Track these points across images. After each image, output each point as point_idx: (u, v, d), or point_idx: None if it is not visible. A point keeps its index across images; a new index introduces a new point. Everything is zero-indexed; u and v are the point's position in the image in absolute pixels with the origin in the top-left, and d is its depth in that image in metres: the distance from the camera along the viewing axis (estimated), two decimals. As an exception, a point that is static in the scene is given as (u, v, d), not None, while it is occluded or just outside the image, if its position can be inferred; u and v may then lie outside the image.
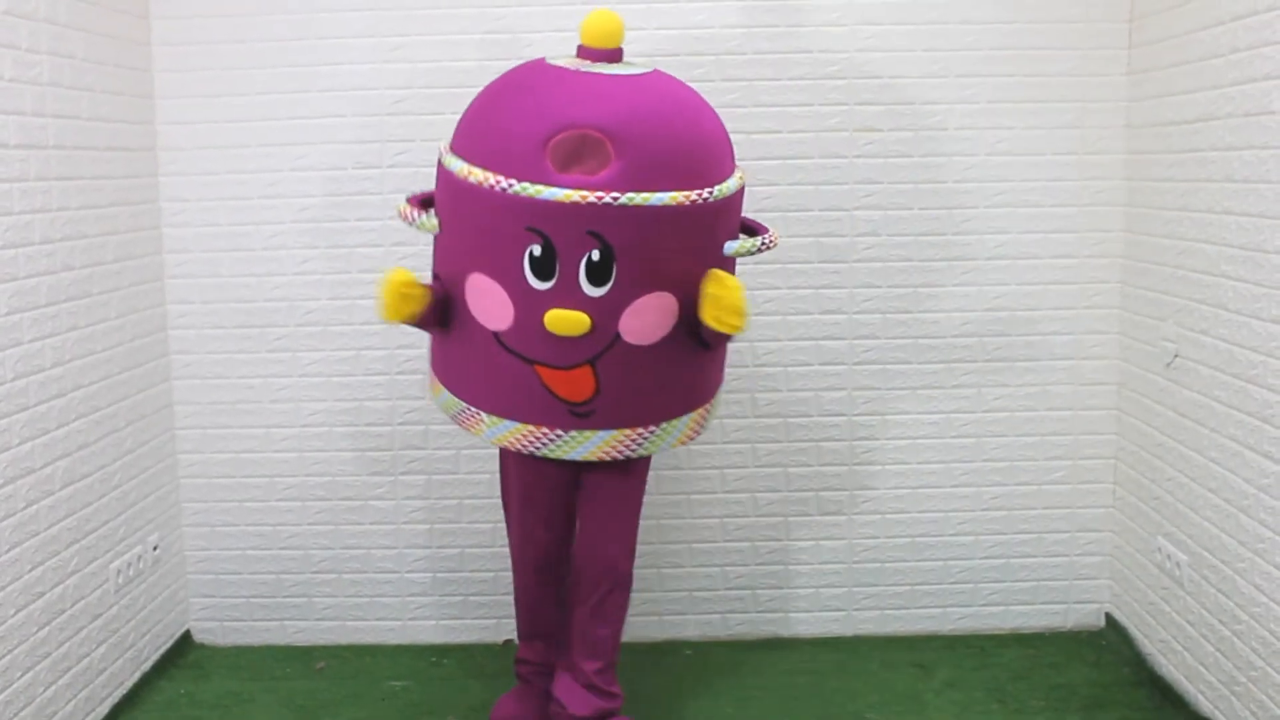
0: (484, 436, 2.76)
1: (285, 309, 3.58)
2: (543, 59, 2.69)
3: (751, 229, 2.83)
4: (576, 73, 2.59)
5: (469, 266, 2.62)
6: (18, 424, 2.83)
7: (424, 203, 2.76)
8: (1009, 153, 3.49)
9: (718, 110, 2.76)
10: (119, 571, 3.29)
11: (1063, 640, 3.64)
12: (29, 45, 2.88)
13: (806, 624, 3.71)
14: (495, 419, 2.71)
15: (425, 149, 3.50)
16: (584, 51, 2.67)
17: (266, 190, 3.54)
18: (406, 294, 2.60)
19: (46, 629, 2.95)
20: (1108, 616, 3.67)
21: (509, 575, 3.67)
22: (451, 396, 2.81)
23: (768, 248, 2.69)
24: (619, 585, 2.90)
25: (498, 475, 3.30)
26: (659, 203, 2.49)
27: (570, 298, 2.53)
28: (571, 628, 2.96)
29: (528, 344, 2.59)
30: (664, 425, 2.75)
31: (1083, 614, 3.70)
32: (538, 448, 2.70)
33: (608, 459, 2.72)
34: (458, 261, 2.66)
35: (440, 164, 2.67)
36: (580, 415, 2.65)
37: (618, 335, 2.58)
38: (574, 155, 2.51)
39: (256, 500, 3.67)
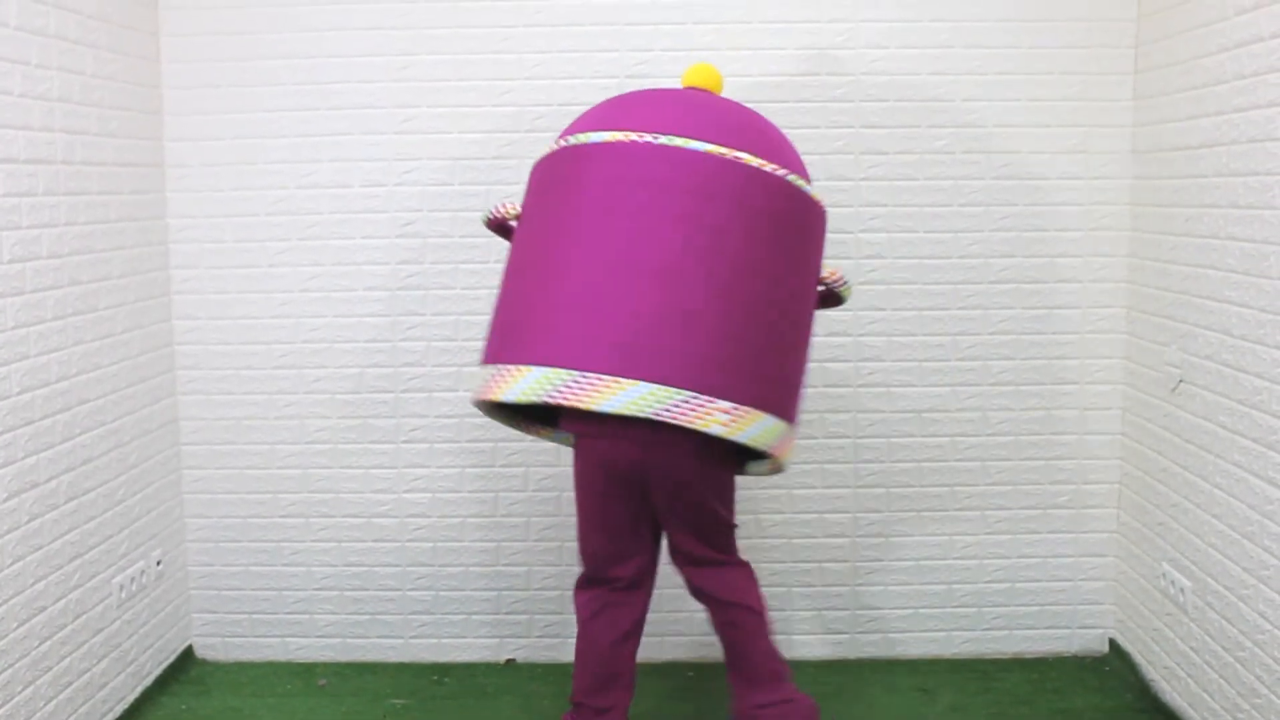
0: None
1: (291, 325, 3.59)
2: None
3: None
4: None
5: None
6: (23, 437, 2.84)
7: None
8: (1014, 177, 3.50)
9: None
10: (121, 586, 3.29)
11: (1066, 665, 3.63)
12: (39, 61, 2.90)
13: (809, 646, 3.70)
14: None
15: (432, 167, 3.51)
16: None
17: (273, 207, 3.55)
18: None
19: (48, 643, 2.95)
20: (1111, 642, 3.66)
21: (511, 594, 3.67)
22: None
23: None
24: None
25: (501, 494, 3.48)
26: None
27: None
28: None
29: None
30: None
31: (1087, 639, 3.68)
32: None
33: None
34: None
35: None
36: None
37: None
38: None
39: (260, 516, 3.67)
